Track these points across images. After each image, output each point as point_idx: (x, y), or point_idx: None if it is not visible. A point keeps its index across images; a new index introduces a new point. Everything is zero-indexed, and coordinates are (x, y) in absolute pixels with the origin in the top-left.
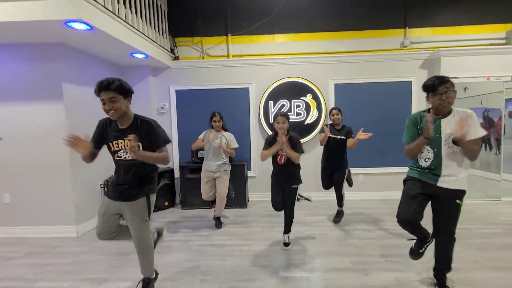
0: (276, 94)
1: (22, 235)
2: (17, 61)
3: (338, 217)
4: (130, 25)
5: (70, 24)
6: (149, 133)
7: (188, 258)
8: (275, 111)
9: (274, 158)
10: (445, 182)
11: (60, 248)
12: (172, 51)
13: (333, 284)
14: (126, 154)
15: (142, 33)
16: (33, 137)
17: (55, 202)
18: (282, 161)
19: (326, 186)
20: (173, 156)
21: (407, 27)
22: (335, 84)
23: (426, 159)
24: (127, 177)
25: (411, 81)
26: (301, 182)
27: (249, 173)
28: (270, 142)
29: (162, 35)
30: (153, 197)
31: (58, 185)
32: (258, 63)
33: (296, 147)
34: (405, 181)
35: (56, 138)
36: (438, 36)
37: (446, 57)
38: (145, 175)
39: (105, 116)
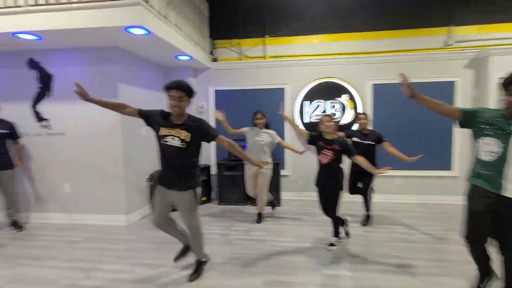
0: (312, 95)
1: (80, 221)
2: (80, 64)
3: (366, 220)
4: (179, 29)
5: (129, 29)
6: (200, 129)
7: (230, 250)
8: (311, 112)
9: (318, 155)
10: (509, 190)
11: (114, 235)
12: (211, 53)
13: (380, 285)
14: (173, 140)
15: (188, 36)
16: (91, 134)
17: (108, 193)
18: (325, 161)
19: (352, 191)
20: (210, 153)
21: (451, 25)
22: (373, 85)
23: (491, 153)
24: (172, 166)
25: (454, 82)
26: (342, 189)
27: (283, 172)
28: (313, 136)
29: (203, 37)
30: (198, 190)
31: (112, 177)
32: (294, 63)
33: (349, 152)
34: (468, 195)
35: (112, 135)
36: (486, 34)
37: (495, 56)
38: (188, 167)
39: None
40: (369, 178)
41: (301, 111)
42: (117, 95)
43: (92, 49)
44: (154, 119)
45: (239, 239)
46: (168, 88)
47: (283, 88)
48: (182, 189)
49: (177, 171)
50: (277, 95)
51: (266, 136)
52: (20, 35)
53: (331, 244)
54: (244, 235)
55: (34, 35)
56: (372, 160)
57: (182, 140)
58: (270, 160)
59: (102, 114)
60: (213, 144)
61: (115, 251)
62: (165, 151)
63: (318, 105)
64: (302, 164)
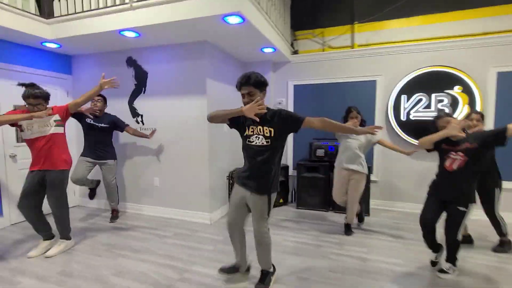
0: (411, 87)
1: (167, 215)
2: (172, 60)
3: (502, 246)
4: (269, 17)
5: (226, 18)
6: (282, 117)
7: (328, 266)
8: (409, 108)
9: (442, 160)
10: None
11: (200, 233)
12: (291, 44)
13: None
14: (257, 140)
15: (275, 26)
16: (179, 130)
17: (193, 189)
18: (453, 166)
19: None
20: (287, 153)
21: None
22: (500, 73)
23: None
24: (254, 165)
25: None
26: (474, 202)
27: (371, 178)
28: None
29: (286, 28)
30: (273, 196)
31: (197, 173)
32: (389, 51)
33: (492, 138)
34: None
35: (199, 130)
36: None
37: None
38: (269, 167)
39: None
40: (489, 189)
41: (396, 106)
42: (205, 90)
43: (182, 45)
44: (235, 121)
45: (334, 253)
46: (238, 87)
47: (374, 81)
48: (257, 192)
49: (258, 171)
50: (367, 88)
51: (361, 136)
52: (125, 33)
53: (442, 271)
54: (340, 249)
55: (135, 31)
56: (489, 170)
57: (266, 137)
58: (364, 163)
59: (190, 111)
60: (290, 143)
61: (205, 251)
62: (250, 151)
63: (420, 100)
64: (393, 169)
